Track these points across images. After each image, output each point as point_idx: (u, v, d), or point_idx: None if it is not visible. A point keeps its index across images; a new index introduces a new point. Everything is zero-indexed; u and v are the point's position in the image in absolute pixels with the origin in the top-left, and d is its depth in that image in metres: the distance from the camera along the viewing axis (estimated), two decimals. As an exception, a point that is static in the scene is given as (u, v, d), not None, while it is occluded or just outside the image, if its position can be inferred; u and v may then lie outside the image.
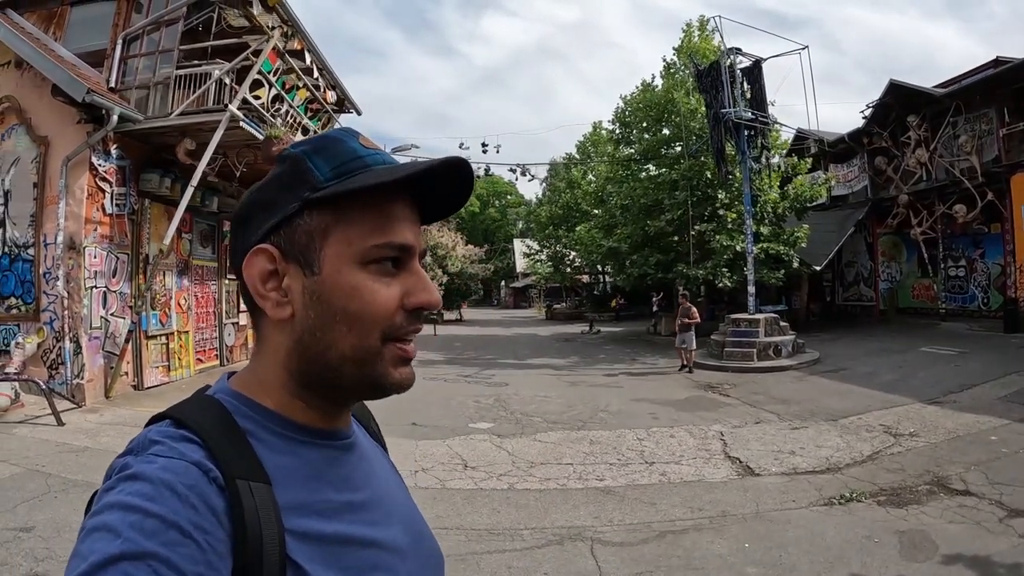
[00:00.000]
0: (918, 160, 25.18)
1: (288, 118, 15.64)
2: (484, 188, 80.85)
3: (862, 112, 28.03)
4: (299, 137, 15.62)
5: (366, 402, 1.18)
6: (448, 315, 45.83)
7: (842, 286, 32.31)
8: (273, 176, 0.97)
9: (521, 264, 64.11)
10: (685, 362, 17.31)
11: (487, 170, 27.12)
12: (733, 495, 7.07)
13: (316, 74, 17.65)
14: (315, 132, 16.89)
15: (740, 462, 8.36)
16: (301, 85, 16.27)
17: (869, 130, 27.37)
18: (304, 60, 16.68)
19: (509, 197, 76.85)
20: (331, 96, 18.79)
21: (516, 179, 28.89)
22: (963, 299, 25.81)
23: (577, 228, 34.37)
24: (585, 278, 44.88)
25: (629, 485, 7.56)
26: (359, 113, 22.01)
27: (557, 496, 7.22)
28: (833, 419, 10.65)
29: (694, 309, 17.69)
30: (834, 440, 9.23)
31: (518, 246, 64.95)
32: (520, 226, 49.20)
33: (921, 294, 27.96)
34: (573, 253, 41.80)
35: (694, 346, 17.25)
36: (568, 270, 41.59)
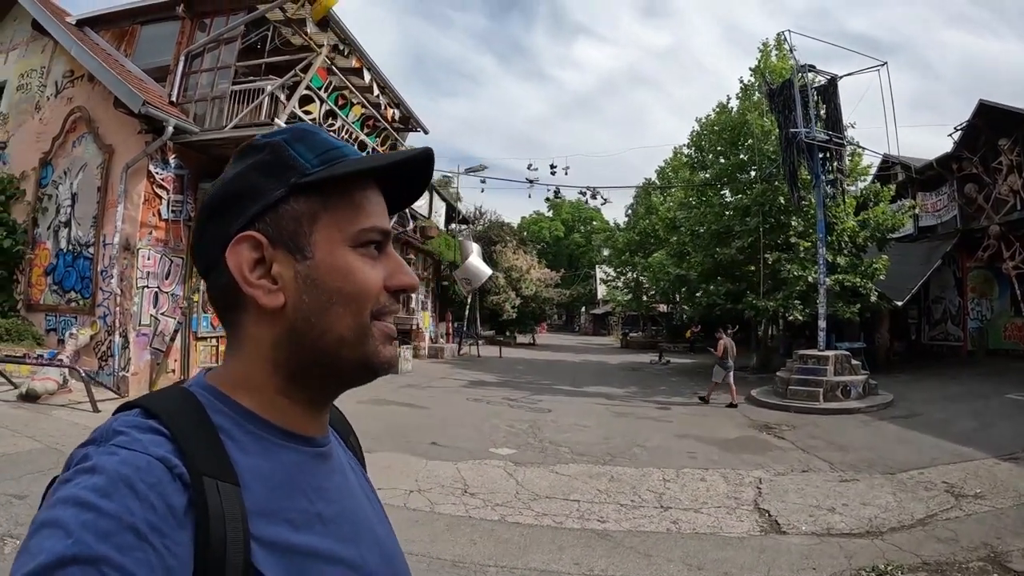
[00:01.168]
0: (1011, 187, 23.63)
1: (343, 133, 15.87)
2: (569, 213, 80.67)
3: (950, 135, 26.34)
4: (356, 153, 16.37)
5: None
6: (521, 338, 45.67)
7: (928, 324, 30.42)
8: (250, 164, 0.94)
9: (601, 291, 63.73)
10: (731, 399, 17.02)
11: (557, 192, 26.73)
12: (745, 555, 6.35)
13: (376, 92, 17.92)
14: (373, 148, 17.14)
15: (768, 515, 7.61)
16: (356, 102, 16.50)
17: (958, 155, 25.73)
18: (363, 78, 16.95)
19: (594, 223, 76.26)
20: (393, 114, 19.01)
21: (587, 201, 28.28)
22: None
23: (653, 255, 33.55)
24: (662, 307, 44.11)
25: (631, 531, 6.97)
26: (426, 132, 22.27)
27: (546, 534, 6.73)
28: (891, 472, 9.72)
29: (722, 342, 17.57)
30: (884, 498, 8.32)
31: (600, 273, 64.47)
32: (605, 253, 49.17)
33: (1014, 334, 26.33)
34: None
35: (718, 379, 17.34)
36: (645, 298, 40.82)
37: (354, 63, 16.79)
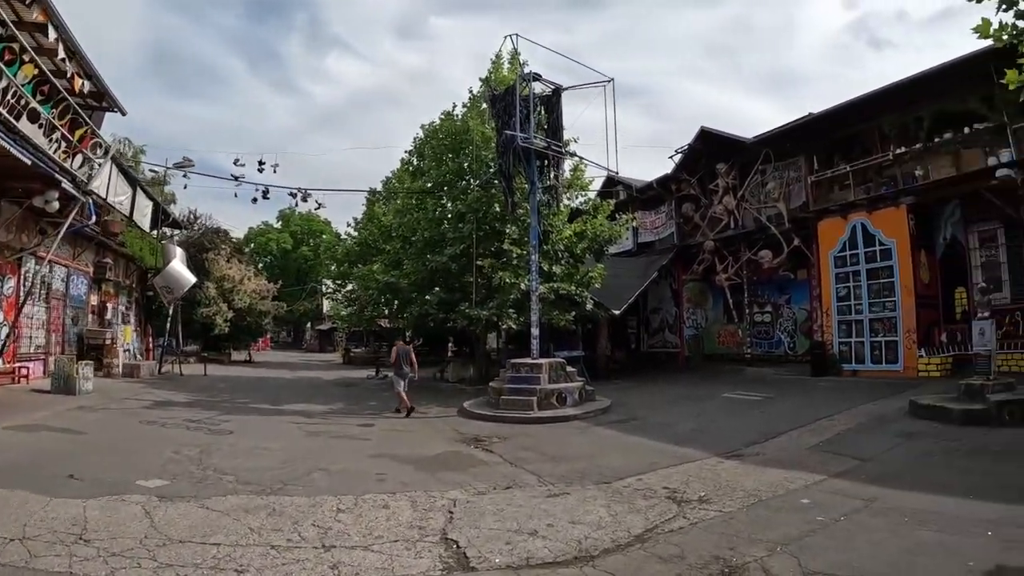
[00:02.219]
0: (726, 207, 25.08)
1: (9, 96, 13.00)
2: (299, 225, 76.65)
3: (671, 157, 27.58)
4: (24, 122, 13.81)
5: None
6: (237, 355, 42.16)
7: (647, 332, 31.62)
8: None
9: (327, 306, 61.31)
10: (400, 406, 16.25)
11: (266, 192, 24.25)
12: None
13: (63, 55, 15.22)
14: (49, 118, 14.45)
15: (456, 547, 5.97)
16: (28, 60, 13.68)
17: (678, 176, 27.01)
18: (47, 36, 14.27)
19: (324, 236, 72.94)
20: (84, 85, 16.34)
21: (296, 204, 25.82)
22: (769, 344, 25.91)
23: (371, 266, 31.07)
24: (385, 322, 42.05)
25: (267, 584, 5.07)
26: (123, 113, 19.82)
27: (155, 595, 4.97)
28: (607, 481, 8.52)
29: (395, 349, 17.38)
30: (598, 512, 7.02)
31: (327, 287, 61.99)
32: (333, 267, 46.20)
33: (727, 340, 27.76)
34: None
35: (398, 388, 16.46)
36: (366, 312, 38.52)
37: (37, 16, 13.89)
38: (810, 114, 22.11)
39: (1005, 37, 6.36)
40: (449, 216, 22.76)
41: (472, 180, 22.13)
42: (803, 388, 17.71)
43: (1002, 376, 13.02)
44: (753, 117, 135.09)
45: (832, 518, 6.54)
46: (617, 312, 23.61)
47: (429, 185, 23.39)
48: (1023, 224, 17.28)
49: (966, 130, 18.24)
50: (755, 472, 8.79)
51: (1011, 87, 7.00)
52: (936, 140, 18.92)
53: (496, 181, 20.13)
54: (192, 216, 39.85)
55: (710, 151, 25.42)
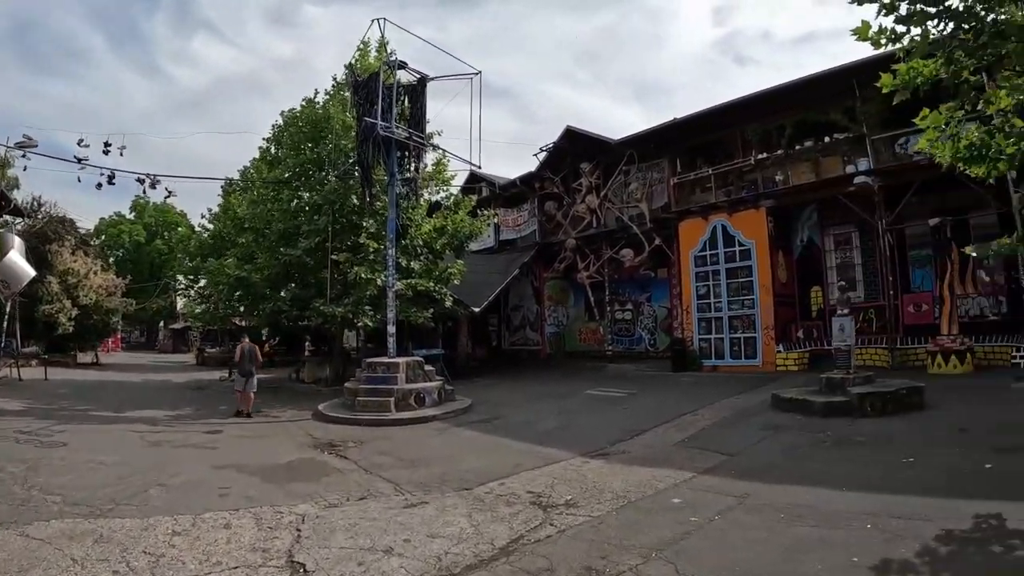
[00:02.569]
0: (589, 206, 25.12)
1: None
2: (152, 216, 71.86)
3: (535, 155, 27.30)
4: None
5: None
6: (84, 356, 39.01)
7: (508, 330, 31.40)
8: None
9: (180, 303, 57.47)
10: (239, 406, 15.60)
11: (111, 178, 22.29)
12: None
13: None
14: None
15: (304, 570, 5.27)
16: None
17: (542, 175, 26.84)
18: None
19: (179, 229, 68.17)
20: None
21: (144, 191, 23.75)
22: (630, 341, 26.15)
23: (223, 260, 28.77)
24: (241, 321, 39.50)
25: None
26: None
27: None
28: (467, 487, 7.95)
29: (239, 347, 16.36)
30: (459, 523, 6.44)
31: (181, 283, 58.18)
32: (189, 262, 42.33)
33: (588, 337, 27.81)
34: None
35: (240, 387, 15.72)
36: (218, 310, 36.01)
37: None
38: (675, 119, 22.35)
39: (883, 41, 6.37)
40: (305, 208, 21.34)
41: (331, 170, 20.95)
42: (665, 384, 17.78)
43: (860, 370, 13.46)
44: (619, 123, 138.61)
45: (706, 518, 6.26)
46: (477, 310, 23.26)
47: (286, 175, 21.99)
48: (877, 228, 18.00)
49: (827, 139, 19.54)
50: (622, 472, 8.46)
51: (884, 90, 7.19)
52: (797, 148, 19.88)
53: (355, 172, 19.19)
54: (36, 203, 36.43)
55: (575, 150, 25.41)
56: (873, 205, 17.84)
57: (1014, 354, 15.99)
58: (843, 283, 14.47)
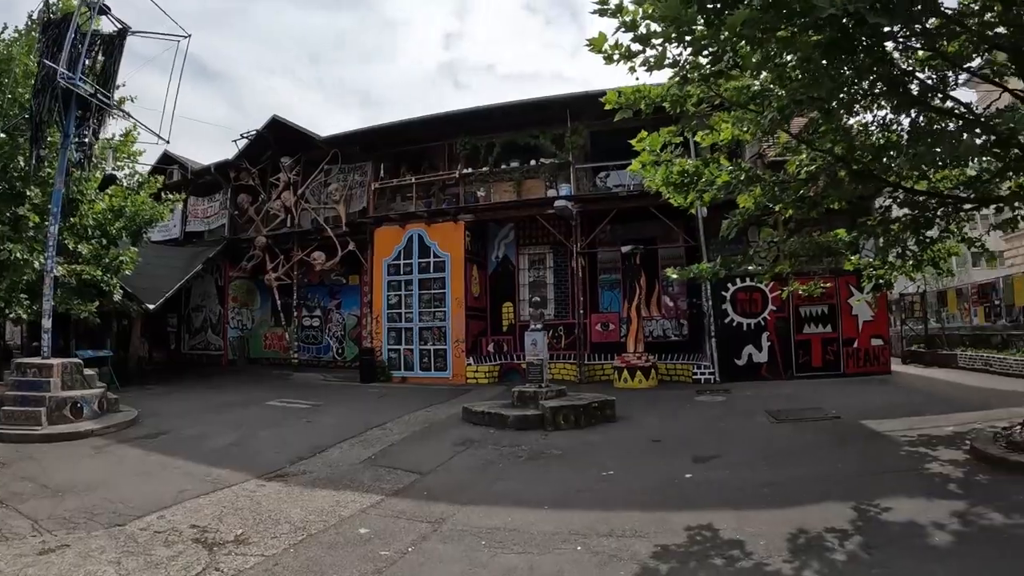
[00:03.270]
0: (284, 203, 23.87)
1: None
2: None
3: (235, 140, 25.24)
4: None
5: None
6: None
7: (189, 332, 28.88)
8: None
9: None
10: None
11: None
12: None
13: None
14: None
15: None
16: None
17: (239, 163, 24.91)
18: None
19: None
20: None
21: None
22: (318, 349, 25.46)
23: None
24: None
25: None
26: None
27: None
28: (120, 523, 6.52)
29: None
30: (104, 573, 5.17)
31: None
32: None
33: (274, 343, 26.56)
34: None
35: None
36: None
37: None
38: (386, 124, 21.94)
39: (616, 56, 6.40)
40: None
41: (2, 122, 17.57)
42: (353, 395, 17.18)
43: (553, 383, 13.85)
44: (337, 128, 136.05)
45: (398, 551, 5.59)
46: (152, 306, 20.41)
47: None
48: (572, 250, 18.98)
49: (533, 162, 20.28)
50: (302, 496, 7.53)
51: (607, 106, 7.56)
52: (503, 167, 20.38)
53: (28, 125, 16.14)
54: None
55: (279, 142, 23.88)
56: (570, 229, 18.75)
57: (694, 371, 17.74)
58: (537, 299, 14.73)
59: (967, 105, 8.25)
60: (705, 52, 6.34)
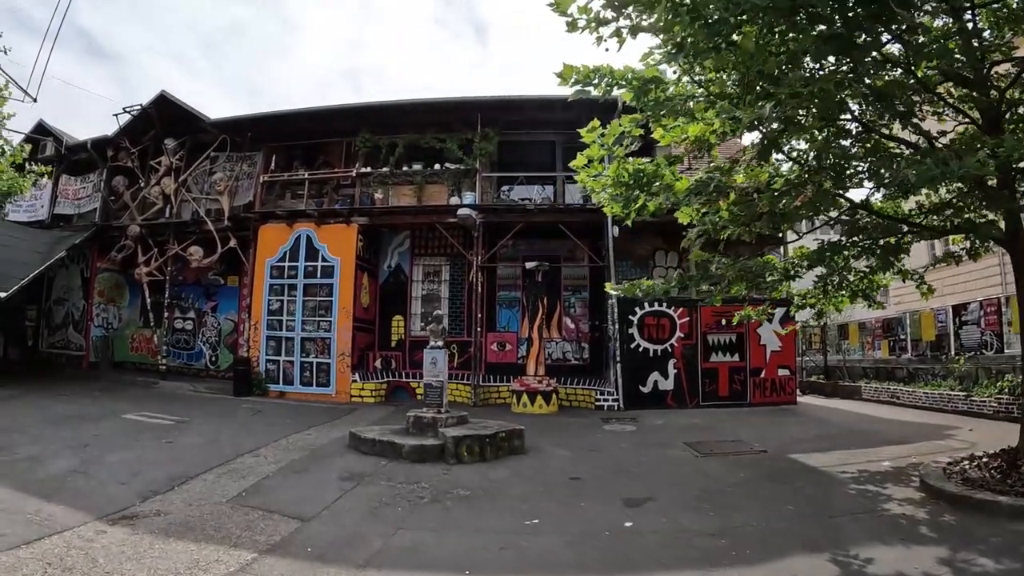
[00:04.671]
0: (163, 190, 21.80)
1: None
2: None
3: (116, 115, 22.61)
4: None
5: None
6: None
7: (49, 328, 25.84)
8: None
9: None
10: None
11: None
12: None
13: None
14: None
15: None
16: None
17: (118, 142, 22.56)
18: None
19: None
20: None
21: None
22: (189, 356, 23.31)
23: None
24: None
25: None
26: None
27: None
28: None
29: None
30: None
31: None
32: None
33: (142, 346, 24.15)
34: None
35: None
36: None
37: None
38: (280, 111, 20.75)
39: (583, 23, 5.76)
40: None
41: None
42: (225, 410, 15.42)
43: (453, 408, 12.64)
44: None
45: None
46: (5, 295, 18.26)
47: None
48: (471, 263, 18.26)
49: (437, 166, 19.35)
50: (152, 550, 5.81)
51: (560, 83, 7.20)
52: (405, 169, 19.30)
53: None
54: None
55: (164, 121, 21.78)
56: (471, 240, 17.94)
57: (597, 397, 16.99)
58: (439, 313, 13.58)
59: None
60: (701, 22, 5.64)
